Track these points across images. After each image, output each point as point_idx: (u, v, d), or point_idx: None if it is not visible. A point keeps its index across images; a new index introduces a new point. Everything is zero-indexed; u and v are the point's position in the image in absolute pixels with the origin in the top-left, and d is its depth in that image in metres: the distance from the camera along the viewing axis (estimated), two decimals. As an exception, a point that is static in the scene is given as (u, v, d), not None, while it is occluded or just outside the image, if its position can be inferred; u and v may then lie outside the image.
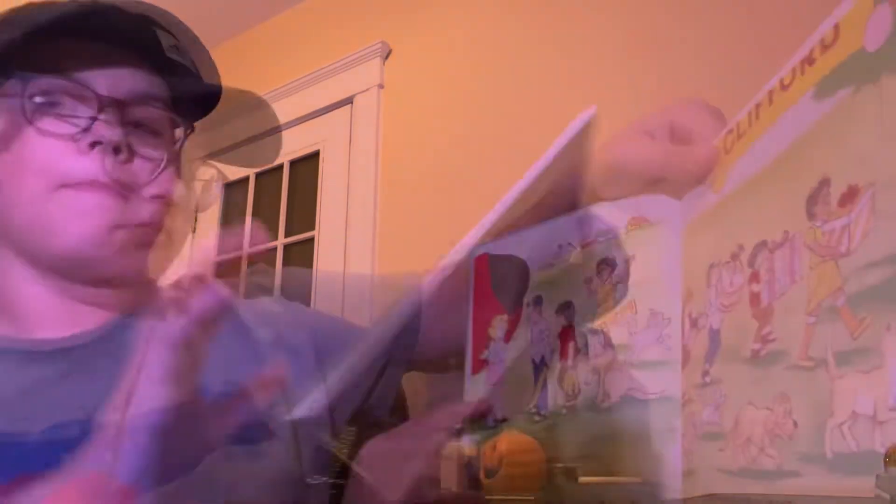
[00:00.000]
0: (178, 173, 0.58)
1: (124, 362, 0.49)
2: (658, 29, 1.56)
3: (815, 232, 0.28)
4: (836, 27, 0.29)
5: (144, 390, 0.40)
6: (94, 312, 0.56)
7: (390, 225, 1.91)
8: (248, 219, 2.37)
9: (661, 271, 0.42)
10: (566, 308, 0.47)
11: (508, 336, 0.50)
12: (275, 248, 2.24)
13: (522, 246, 0.52)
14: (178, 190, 0.53)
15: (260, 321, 0.66)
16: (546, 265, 0.50)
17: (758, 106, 0.36)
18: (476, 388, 0.51)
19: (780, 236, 0.30)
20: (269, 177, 2.35)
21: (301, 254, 2.17)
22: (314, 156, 2.22)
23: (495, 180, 1.71)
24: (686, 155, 0.41)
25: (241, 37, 2.63)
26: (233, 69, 2.72)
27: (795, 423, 0.26)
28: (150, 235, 0.54)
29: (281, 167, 2.30)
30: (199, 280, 0.40)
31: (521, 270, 0.52)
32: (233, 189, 2.45)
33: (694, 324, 0.36)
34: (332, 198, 2.09)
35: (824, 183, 0.27)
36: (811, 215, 0.28)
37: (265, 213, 2.34)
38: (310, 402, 0.54)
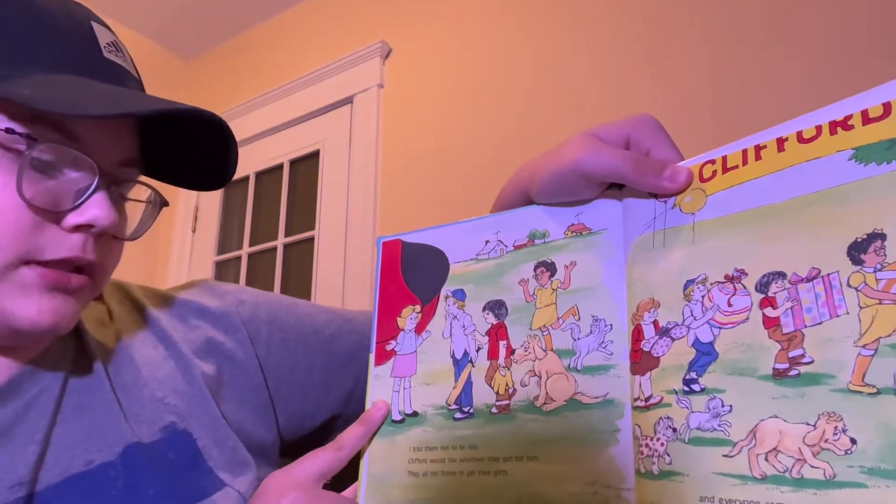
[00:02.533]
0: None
1: (38, 424, 0.45)
2: (653, 32, 1.56)
3: (866, 277, 0.32)
4: (888, 105, 0.34)
5: None
6: None
7: (390, 224, 1.92)
8: (248, 218, 2.37)
9: (604, 278, 0.43)
10: (497, 306, 0.46)
11: (421, 328, 0.49)
12: (275, 248, 2.25)
13: (442, 237, 0.50)
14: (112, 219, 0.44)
15: (189, 333, 0.57)
16: (470, 259, 0.49)
17: (759, 147, 0.38)
18: (380, 380, 0.48)
19: (807, 271, 0.34)
20: (269, 176, 2.36)
21: (301, 254, 2.18)
22: (314, 155, 2.22)
23: (495, 179, 1.71)
24: (650, 164, 0.41)
25: (241, 36, 2.63)
26: (233, 69, 2.73)
27: (853, 440, 0.30)
28: (75, 280, 0.45)
29: (281, 167, 2.31)
30: None
31: (440, 261, 0.50)
32: (233, 189, 2.45)
33: (664, 332, 0.39)
34: (331, 197, 2.10)
35: (877, 236, 0.32)
36: (856, 260, 0.33)
37: (265, 213, 2.34)
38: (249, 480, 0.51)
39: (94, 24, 0.47)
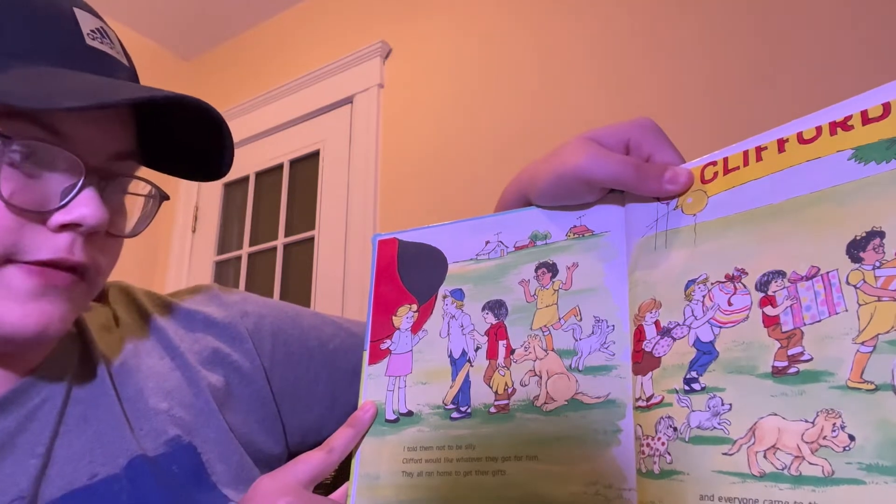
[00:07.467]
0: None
1: (40, 436, 0.44)
2: (653, 31, 1.56)
3: (865, 274, 0.33)
4: (888, 105, 0.34)
5: None
6: None
7: (390, 224, 1.92)
8: (248, 218, 2.37)
9: (606, 280, 0.43)
10: (497, 306, 0.46)
11: (417, 327, 0.48)
12: (275, 248, 2.25)
13: (440, 237, 0.50)
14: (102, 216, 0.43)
15: (197, 345, 0.56)
16: (469, 259, 0.49)
17: (760, 149, 0.39)
18: (374, 379, 0.48)
19: (806, 270, 0.35)
20: (269, 176, 2.36)
21: (301, 253, 2.18)
22: (314, 155, 2.22)
23: (496, 179, 1.72)
24: (651, 170, 0.40)
25: (241, 37, 2.63)
26: (233, 69, 2.73)
27: (852, 437, 0.31)
28: (61, 278, 0.43)
29: (281, 167, 2.31)
30: None
31: (437, 261, 0.49)
32: (233, 188, 2.45)
33: (665, 332, 0.39)
34: (332, 197, 2.10)
35: (875, 234, 0.33)
36: (855, 258, 0.33)
37: (265, 213, 2.34)
38: None
39: (77, 11, 0.44)
